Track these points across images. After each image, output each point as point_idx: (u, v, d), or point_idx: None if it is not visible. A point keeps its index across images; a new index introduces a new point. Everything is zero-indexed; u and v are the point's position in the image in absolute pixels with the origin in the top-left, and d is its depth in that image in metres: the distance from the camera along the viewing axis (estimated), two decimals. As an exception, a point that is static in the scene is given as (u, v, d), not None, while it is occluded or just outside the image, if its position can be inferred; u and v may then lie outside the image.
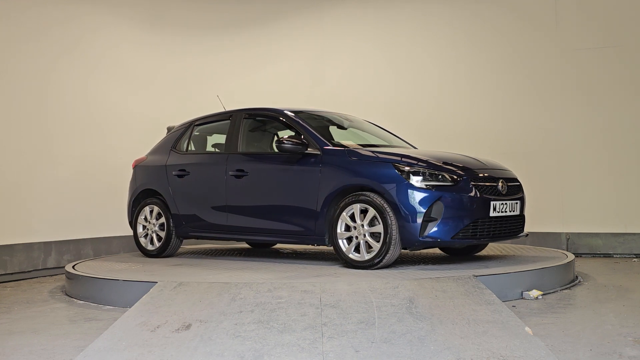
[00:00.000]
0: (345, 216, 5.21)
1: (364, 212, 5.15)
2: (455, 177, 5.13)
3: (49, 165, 7.36)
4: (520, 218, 5.63)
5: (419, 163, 5.15)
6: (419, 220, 4.95)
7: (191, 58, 8.97)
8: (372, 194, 5.11)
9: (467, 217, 5.09)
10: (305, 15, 9.13)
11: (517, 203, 5.53)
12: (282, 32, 9.15)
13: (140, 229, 6.65)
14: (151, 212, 6.57)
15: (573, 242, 7.74)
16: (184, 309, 4.05)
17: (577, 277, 5.80)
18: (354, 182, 5.24)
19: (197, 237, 6.41)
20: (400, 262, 5.46)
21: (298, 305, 3.95)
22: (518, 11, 8.19)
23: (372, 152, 5.39)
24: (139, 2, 8.56)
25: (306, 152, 5.52)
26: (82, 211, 7.61)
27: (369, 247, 5.14)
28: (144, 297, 4.37)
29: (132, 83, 8.36)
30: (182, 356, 3.34)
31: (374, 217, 5.08)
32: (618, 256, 7.54)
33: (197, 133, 6.70)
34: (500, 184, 5.39)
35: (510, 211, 5.43)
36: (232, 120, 6.28)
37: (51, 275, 7.16)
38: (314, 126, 5.80)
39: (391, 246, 5.01)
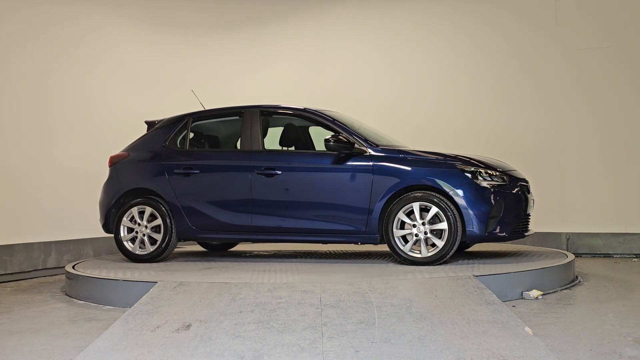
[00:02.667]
0: (402, 214, 5.34)
1: (422, 209, 5.32)
2: (506, 176, 5.46)
3: (49, 165, 7.35)
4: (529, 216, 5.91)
5: (478, 164, 5.43)
6: (485, 217, 5.22)
7: (191, 58, 8.96)
8: (433, 193, 5.29)
9: (519, 213, 5.49)
10: (305, 15, 9.13)
11: (534, 201, 5.86)
12: (282, 32, 9.14)
13: (124, 232, 6.17)
14: (140, 213, 6.12)
15: (573, 242, 7.74)
16: (184, 309, 4.04)
17: (577, 277, 5.80)
18: (416, 181, 5.37)
19: (207, 239, 6.15)
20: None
21: (298, 305, 3.95)
22: (518, 11, 8.18)
23: (423, 152, 5.58)
24: (139, 2, 8.56)
25: (353, 151, 5.57)
26: (82, 211, 7.58)
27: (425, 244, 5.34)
28: (144, 297, 4.36)
29: (132, 83, 8.36)
30: (182, 356, 3.34)
31: (436, 215, 5.25)
32: (618, 256, 7.54)
33: (197, 129, 6.48)
34: (528, 184, 5.76)
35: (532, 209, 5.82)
36: (244, 117, 6.08)
37: (51, 275, 7.15)
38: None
39: (455, 243, 5.22)
